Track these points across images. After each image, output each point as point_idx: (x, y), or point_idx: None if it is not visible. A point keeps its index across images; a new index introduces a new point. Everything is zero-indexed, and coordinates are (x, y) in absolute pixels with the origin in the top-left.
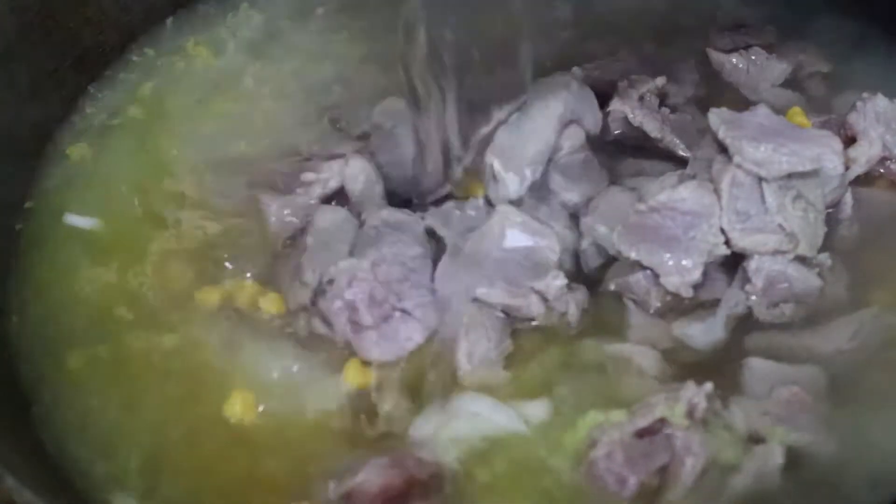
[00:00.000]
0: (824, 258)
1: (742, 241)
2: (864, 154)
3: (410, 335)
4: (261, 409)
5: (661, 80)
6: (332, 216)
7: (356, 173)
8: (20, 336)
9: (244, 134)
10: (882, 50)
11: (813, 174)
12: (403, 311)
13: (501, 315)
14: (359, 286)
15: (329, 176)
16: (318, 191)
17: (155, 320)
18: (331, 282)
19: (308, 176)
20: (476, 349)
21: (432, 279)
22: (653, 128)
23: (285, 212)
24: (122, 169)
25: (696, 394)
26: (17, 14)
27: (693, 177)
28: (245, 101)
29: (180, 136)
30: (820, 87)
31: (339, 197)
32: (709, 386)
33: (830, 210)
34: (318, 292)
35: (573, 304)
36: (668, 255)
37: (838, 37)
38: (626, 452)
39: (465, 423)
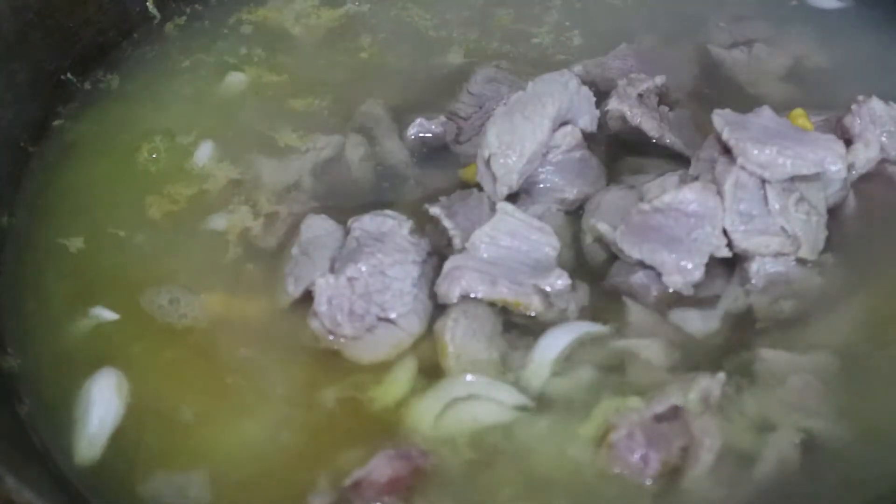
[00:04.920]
0: (826, 258)
1: (744, 243)
2: (862, 157)
3: (396, 343)
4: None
5: (659, 79)
6: (317, 226)
7: (358, 142)
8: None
9: (241, 134)
10: (882, 41)
11: (816, 177)
12: (387, 320)
13: (497, 312)
14: (338, 302)
15: (324, 145)
16: (311, 158)
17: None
18: (311, 297)
19: (305, 145)
20: (469, 346)
21: (416, 283)
22: (650, 127)
23: (280, 173)
24: (121, 168)
25: (710, 382)
26: (17, 14)
27: (696, 178)
28: (243, 101)
29: (179, 134)
30: (820, 80)
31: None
32: (721, 375)
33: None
34: (300, 302)
35: (573, 302)
36: (669, 256)
37: (838, 29)
38: (647, 434)
39: (468, 408)
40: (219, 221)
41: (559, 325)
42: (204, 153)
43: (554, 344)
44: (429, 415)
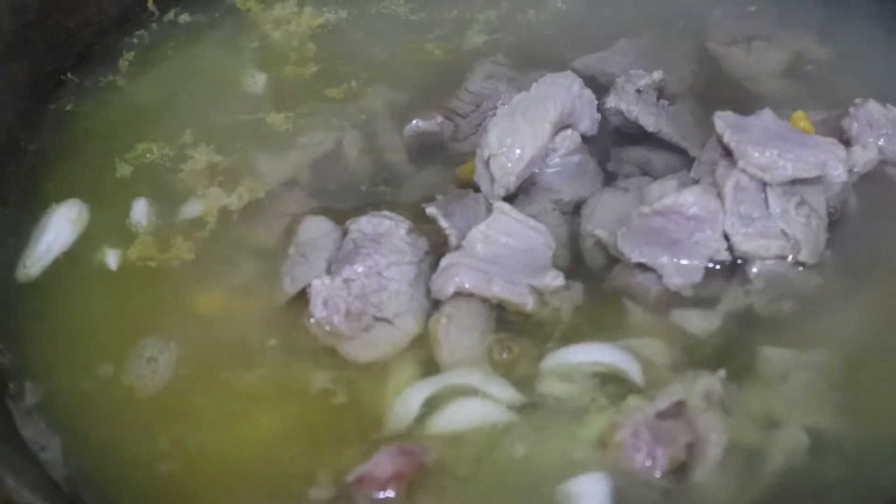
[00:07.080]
0: (826, 258)
1: (745, 246)
2: (860, 159)
3: (393, 342)
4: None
5: (657, 75)
6: (315, 227)
7: (355, 138)
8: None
9: (240, 130)
10: (882, 36)
11: (816, 180)
12: (384, 319)
13: (491, 308)
14: (334, 304)
15: (321, 141)
16: (308, 154)
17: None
18: (307, 298)
19: (302, 139)
20: (463, 341)
21: (412, 284)
22: (649, 122)
23: (276, 169)
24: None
25: (711, 380)
26: (17, 14)
27: (697, 181)
28: (243, 98)
29: (179, 133)
30: (819, 77)
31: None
32: (722, 372)
33: (832, 212)
34: (297, 301)
35: (567, 302)
36: (670, 258)
37: (837, 25)
38: (652, 431)
39: (467, 406)
40: (193, 207)
41: (576, 343)
42: (139, 210)
43: (563, 358)
44: (427, 411)
